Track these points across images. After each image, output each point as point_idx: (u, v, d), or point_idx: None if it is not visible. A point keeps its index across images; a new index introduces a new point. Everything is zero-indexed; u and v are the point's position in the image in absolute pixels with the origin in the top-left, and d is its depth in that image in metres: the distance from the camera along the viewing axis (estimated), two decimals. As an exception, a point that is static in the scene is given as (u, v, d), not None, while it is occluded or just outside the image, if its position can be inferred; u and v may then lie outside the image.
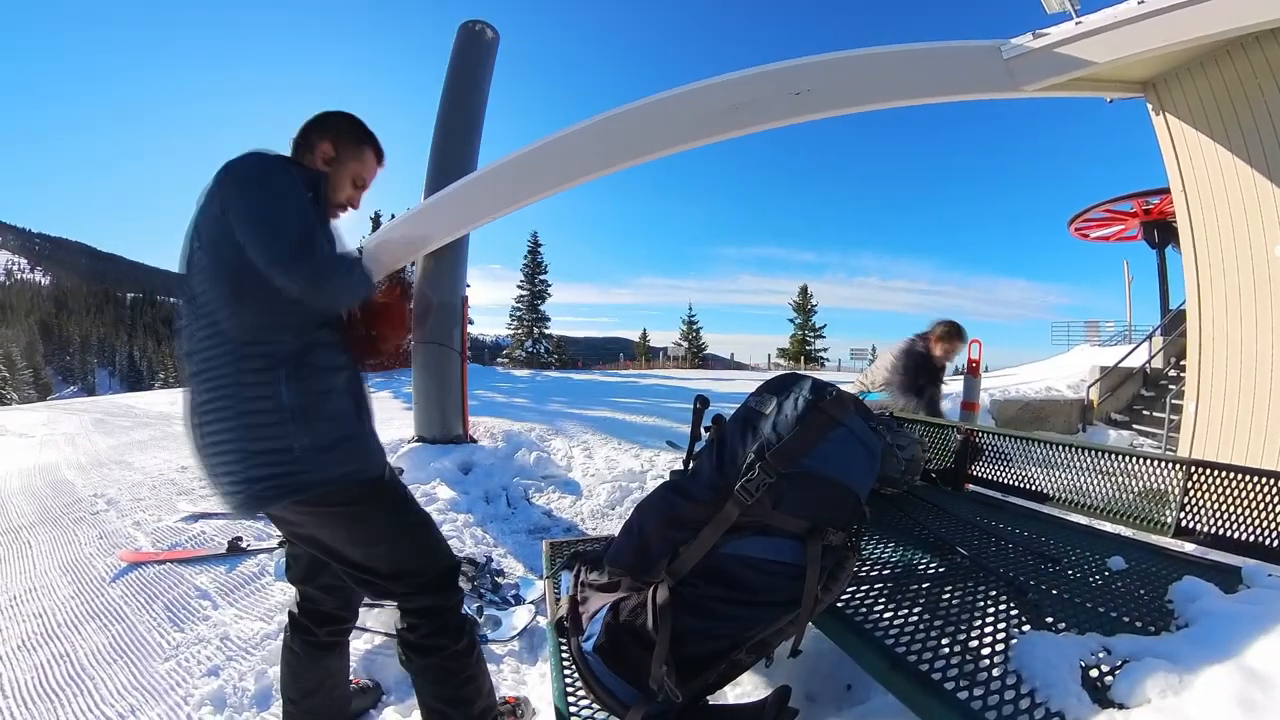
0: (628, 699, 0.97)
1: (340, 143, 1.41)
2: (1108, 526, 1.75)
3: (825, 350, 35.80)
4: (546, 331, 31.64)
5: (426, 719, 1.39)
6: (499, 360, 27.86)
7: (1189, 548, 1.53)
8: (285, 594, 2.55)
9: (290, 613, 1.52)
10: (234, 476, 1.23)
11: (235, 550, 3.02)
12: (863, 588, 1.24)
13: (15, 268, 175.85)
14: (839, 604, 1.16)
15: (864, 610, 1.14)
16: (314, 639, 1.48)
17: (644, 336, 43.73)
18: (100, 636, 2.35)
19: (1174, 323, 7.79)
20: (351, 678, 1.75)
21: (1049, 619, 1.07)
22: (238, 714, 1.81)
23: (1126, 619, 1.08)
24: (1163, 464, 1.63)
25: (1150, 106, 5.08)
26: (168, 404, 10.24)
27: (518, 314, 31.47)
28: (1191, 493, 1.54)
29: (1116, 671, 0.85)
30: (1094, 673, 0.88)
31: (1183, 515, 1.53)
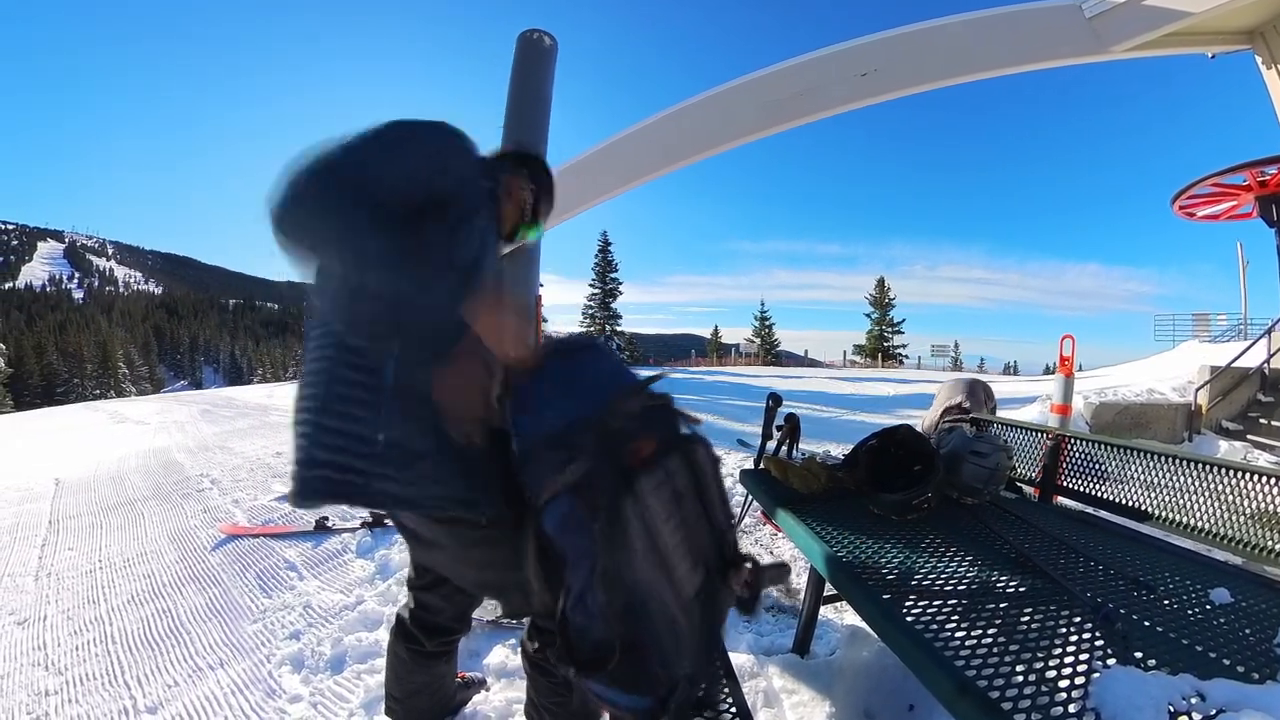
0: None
1: (535, 196, 1.22)
2: (1214, 553, 1.59)
3: (904, 346, 34.17)
4: (619, 329, 31.82)
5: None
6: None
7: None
8: (365, 570, 2.72)
9: (399, 616, 1.37)
10: (300, 454, 0.97)
11: (321, 528, 3.26)
12: (934, 603, 1.18)
13: (132, 280, 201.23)
14: (908, 618, 1.11)
15: (934, 627, 1.08)
16: (420, 649, 1.35)
17: (715, 333, 43.28)
18: (199, 597, 2.62)
19: (1297, 316, 6.89)
20: (457, 672, 1.68)
21: (1137, 653, 0.99)
22: (313, 675, 1.96)
23: (1227, 661, 0.97)
24: (1282, 482, 1.46)
25: (1259, 59, 4.40)
26: (264, 397, 11.19)
27: (590, 312, 31.81)
28: (1317, 518, 1.37)
29: (1211, 721, 0.78)
30: (1183, 719, 0.80)
31: (1304, 544, 1.37)
